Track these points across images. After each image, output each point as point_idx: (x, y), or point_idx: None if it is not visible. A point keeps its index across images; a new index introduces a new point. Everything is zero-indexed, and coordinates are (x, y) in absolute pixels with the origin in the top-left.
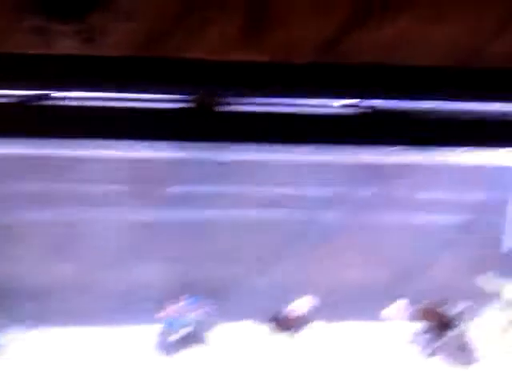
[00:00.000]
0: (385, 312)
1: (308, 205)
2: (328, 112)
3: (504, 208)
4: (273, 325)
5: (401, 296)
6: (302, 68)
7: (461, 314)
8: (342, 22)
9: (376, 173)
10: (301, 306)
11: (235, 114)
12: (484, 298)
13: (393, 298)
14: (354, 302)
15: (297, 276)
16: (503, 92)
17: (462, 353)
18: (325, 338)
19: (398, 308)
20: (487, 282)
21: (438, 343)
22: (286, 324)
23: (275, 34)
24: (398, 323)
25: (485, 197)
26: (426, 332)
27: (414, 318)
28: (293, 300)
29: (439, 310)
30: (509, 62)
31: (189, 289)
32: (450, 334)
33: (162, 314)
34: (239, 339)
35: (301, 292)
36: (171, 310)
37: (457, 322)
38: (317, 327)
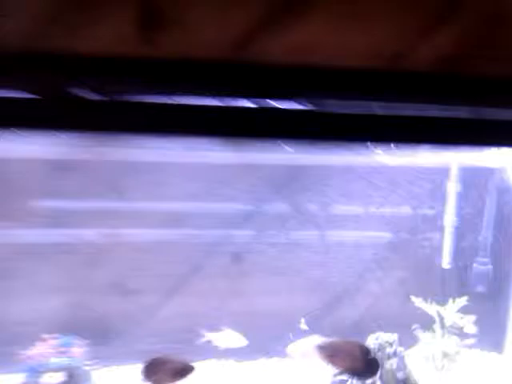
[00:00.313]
0: (291, 348)
1: (213, 223)
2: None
3: (438, 221)
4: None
5: (322, 326)
6: (203, 66)
7: (392, 344)
8: (250, 20)
9: (285, 183)
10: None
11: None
12: (421, 323)
13: (313, 330)
14: (267, 336)
15: (201, 308)
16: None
17: None
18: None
19: (306, 345)
20: (423, 305)
21: (368, 382)
22: (177, 366)
23: (173, 31)
24: (312, 362)
25: (416, 209)
26: (343, 373)
27: (321, 357)
28: (195, 335)
29: (353, 346)
30: (432, 67)
31: (67, 326)
32: (380, 370)
33: (25, 357)
34: None
35: (206, 325)
36: (37, 352)
37: (386, 355)
38: (225, 366)
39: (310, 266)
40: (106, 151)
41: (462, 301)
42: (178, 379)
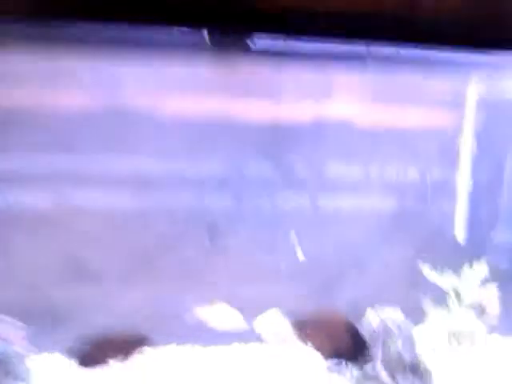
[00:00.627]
0: (259, 324)
1: (183, 188)
2: None
3: (451, 186)
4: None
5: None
6: None
7: (397, 321)
8: None
9: (270, 141)
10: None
11: None
12: (432, 297)
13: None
14: None
15: (168, 293)
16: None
17: (404, 378)
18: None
19: (279, 322)
20: (435, 276)
21: (364, 366)
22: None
23: None
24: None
25: (425, 172)
26: (325, 356)
27: (298, 337)
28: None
29: (336, 323)
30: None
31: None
32: (382, 352)
33: None
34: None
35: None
36: None
37: (390, 335)
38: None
39: (300, 239)
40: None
41: (483, 268)
42: (131, 354)
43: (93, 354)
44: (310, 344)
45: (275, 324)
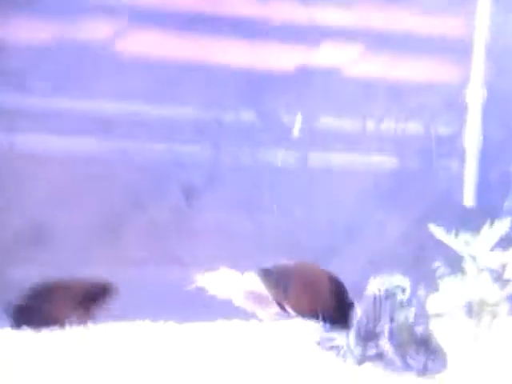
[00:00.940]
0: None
1: (155, 135)
2: None
3: (458, 143)
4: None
5: None
6: None
7: (405, 289)
8: None
9: (253, 86)
10: None
11: None
12: (445, 265)
13: None
14: None
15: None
16: None
17: (415, 355)
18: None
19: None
20: (448, 241)
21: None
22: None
23: None
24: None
25: (428, 126)
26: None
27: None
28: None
29: (318, 277)
30: None
31: None
32: (389, 324)
33: None
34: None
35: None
36: None
37: (398, 304)
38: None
39: (286, 199)
40: None
41: (504, 226)
42: (91, 305)
43: (47, 309)
44: (288, 306)
45: (254, 287)
